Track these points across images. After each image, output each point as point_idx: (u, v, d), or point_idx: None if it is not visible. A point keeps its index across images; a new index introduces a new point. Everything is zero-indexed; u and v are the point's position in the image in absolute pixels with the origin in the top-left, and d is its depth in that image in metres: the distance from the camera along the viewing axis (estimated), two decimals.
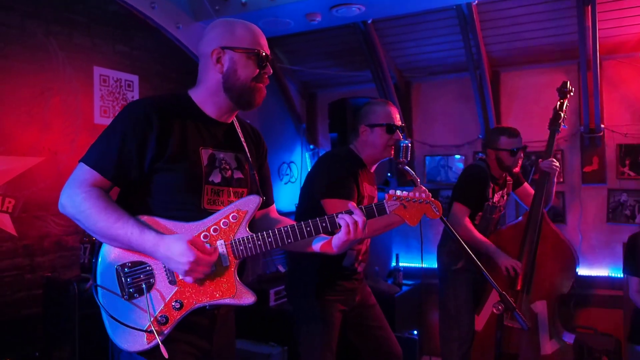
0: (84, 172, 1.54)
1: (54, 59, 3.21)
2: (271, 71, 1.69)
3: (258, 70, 1.65)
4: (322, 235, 1.67)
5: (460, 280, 3.27)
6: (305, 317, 2.49)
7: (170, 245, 1.48)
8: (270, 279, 4.39)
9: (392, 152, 2.50)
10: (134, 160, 1.55)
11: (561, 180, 4.17)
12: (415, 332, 4.05)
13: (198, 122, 1.66)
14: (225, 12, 3.82)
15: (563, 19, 3.82)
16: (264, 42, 1.69)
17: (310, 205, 2.47)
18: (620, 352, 3.78)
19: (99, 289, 1.54)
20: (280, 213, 1.96)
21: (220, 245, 1.58)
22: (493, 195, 3.27)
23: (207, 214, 1.60)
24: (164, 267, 1.54)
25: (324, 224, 1.62)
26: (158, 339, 1.50)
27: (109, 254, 1.55)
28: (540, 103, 4.22)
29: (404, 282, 4.40)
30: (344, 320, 2.53)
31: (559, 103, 3.19)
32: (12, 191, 2.97)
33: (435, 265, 3.50)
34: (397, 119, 2.53)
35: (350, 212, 1.62)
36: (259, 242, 1.59)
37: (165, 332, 1.53)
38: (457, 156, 4.66)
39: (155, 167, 1.57)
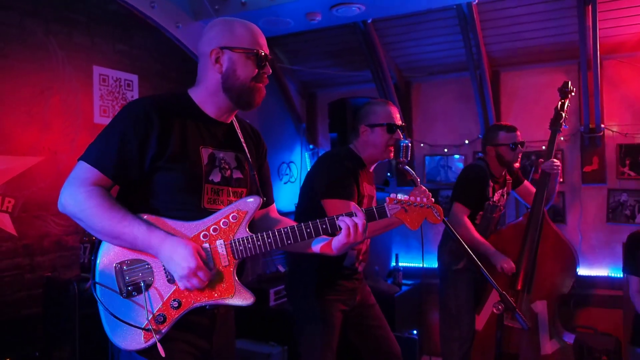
0: (84, 171, 1.52)
1: (54, 58, 3.21)
2: (270, 71, 1.68)
3: (257, 70, 1.64)
4: (322, 236, 1.67)
5: (461, 279, 3.27)
6: (305, 318, 2.49)
7: (176, 246, 1.48)
8: (270, 278, 4.39)
9: (392, 153, 2.50)
10: (135, 159, 1.54)
11: (561, 180, 4.16)
12: (415, 332, 4.06)
13: (198, 121, 1.65)
14: (224, 12, 3.81)
15: (563, 18, 3.82)
16: (263, 41, 1.68)
17: (310, 205, 2.47)
18: (620, 352, 3.78)
19: (97, 286, 1.53)
20: (280, 213, 1.95)
21: (220, 245, 1.57)
22: (493, 194, 3.27)
23: (207, 213, 1.60)
24: (163, 265, 1.54)
25: (324, 226, 1.61)
26: (155, 338, 1.49)
27: (108, 252, 1.55)
28: (540, 103, 4.22)
29: (404, 282, 4.41)
30: (344, 320, 2.53)
31: (560, 103, 3.18)
32: (12, 191, 2.97)
33: (435, 265, 3.50)
34: (398, 119, 2.53)
35: (350, 215, 1.61)
36: (259, 243, 1.59)
37: (163, 330, 1.52)
38: (457, 156, 4.66)
39: (155, 166, 1.56)
